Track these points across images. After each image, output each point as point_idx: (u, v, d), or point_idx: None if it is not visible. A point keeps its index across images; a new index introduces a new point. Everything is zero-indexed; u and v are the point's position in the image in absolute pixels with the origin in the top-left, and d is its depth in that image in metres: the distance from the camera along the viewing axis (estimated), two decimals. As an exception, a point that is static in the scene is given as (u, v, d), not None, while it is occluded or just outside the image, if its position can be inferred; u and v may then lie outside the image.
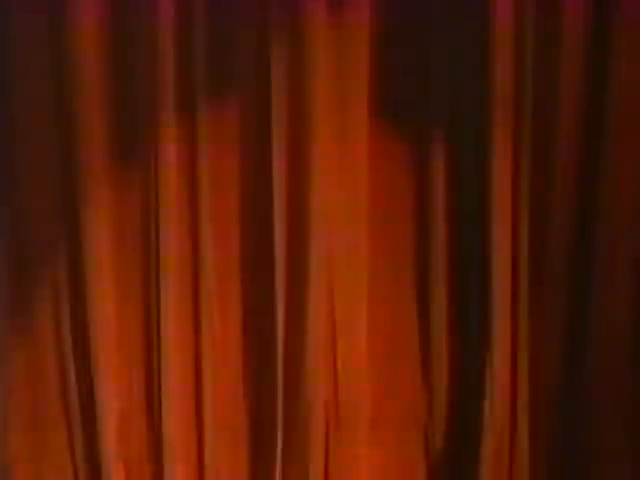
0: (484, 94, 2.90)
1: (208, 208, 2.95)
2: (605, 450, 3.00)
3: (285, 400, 3.00)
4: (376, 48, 2.90)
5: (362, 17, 2.88)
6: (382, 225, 2.99)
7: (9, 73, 2.86)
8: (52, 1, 2.81)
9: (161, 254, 2.95)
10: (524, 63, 2.89)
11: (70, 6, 2.80)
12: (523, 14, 2.87)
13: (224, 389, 3.03)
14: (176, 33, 2.85)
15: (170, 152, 2.90)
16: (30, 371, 3.00)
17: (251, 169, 2.96)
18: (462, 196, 2.98)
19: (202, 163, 2.93)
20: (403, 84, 2.94)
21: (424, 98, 2.95)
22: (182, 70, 2.87)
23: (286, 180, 2.91)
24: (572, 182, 2.95)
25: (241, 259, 3.00)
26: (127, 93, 2.91)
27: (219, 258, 2.98)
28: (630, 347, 2.98)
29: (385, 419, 3.07)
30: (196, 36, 2.86)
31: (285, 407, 3.00)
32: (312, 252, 2.93)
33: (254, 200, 2.97)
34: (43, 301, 2.99)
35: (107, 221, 2.95)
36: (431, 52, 2.93)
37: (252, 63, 2.90)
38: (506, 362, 2.98)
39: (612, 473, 3.00)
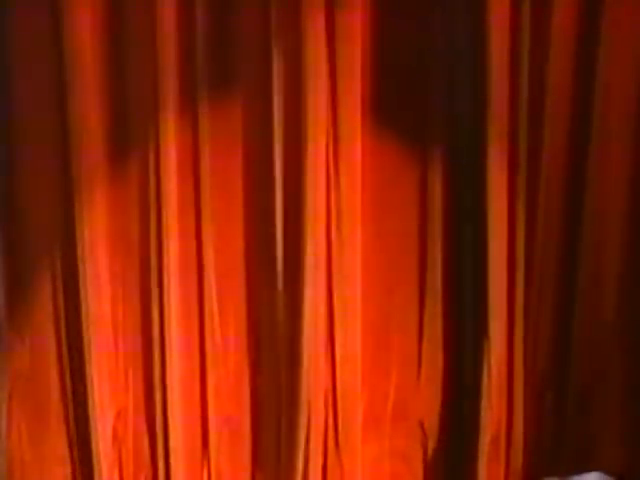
0: (480, 92, 2.92)
1: (209, 206, 2.95)
2: (597, 433, 3.09)
3: (285, 395, 3.03)
4: (371, 47, 2.92)
5: (358, 17, 2.89)
6: (377, 223, 3.01)
7: (9, 73, 2.85)
8: (52, 0, 2.81)
9: (162, 253, 2.95)
10: (520, 61, 2.91)
11: (70, 5, 2.80)
12: (519, 15, 2.90)
13: (226, 387, 3.06)
14: (177, 32, 2.85)
15: (171, 151, 2.91)
16: (29, 371, 3.01)
17: (251, 167, 2.97)
18: (458, 194, 3.01)
19: (203, 161, 2.93)
20: (399, 83, 2.96)
21: (419, 97, 2.97)
22: (182, 69, 2.87)
23: (283, 179, 2.93)
24: (560, 183, 3.00)
25: (242, 257, 3.02)
26: (127, 91, 2.91)
27: (219, 256, 2.99)
28: (617, 337, 3.06)
29: (380, 412, 3.11)
30: (197, 35, 2.87)
31: (285, 403, 3.03)
32: (309, 250, 2.95)
33: (254, 199, 2.99)
34: (41, 301, 2.99)
35: (106, 220, 2.95)
36: (427, 50, 2.95)
37: (251, 62, 2.91)
38: (502, 357, 3.03)
39: (604, 456, 3.08)
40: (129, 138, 2.94)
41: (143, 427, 3.07)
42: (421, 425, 3.11)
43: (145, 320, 3.01)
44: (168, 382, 2.99)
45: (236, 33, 2.89)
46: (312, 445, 3.03)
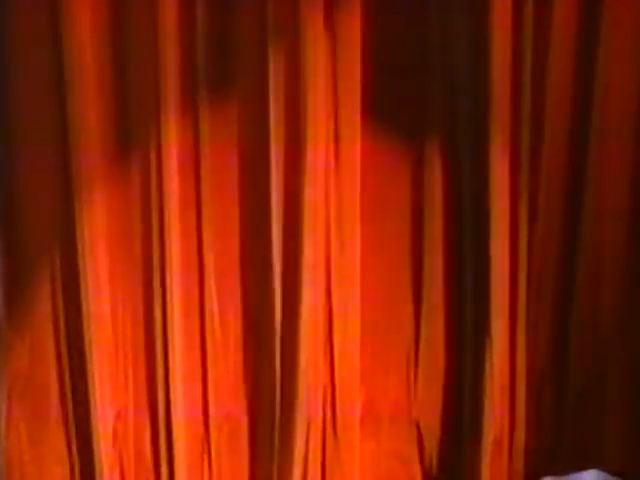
0: (481, 91, 2.91)
1: (209, 206, 2.95)
2: (597, 432, 3.10)
3: (284, 393, 3.02)
4: (370, 48, 2.91)
5: (357, 16, 2.89)
6: (377, 224, 3.01)
7: (9, 72, 2.84)
8: (52, 0, 2.80)
9: (164, 252, 2.94)
10: (522, 60, 2.91)
11: (70, 4, 2.78)
12: (521, 15, 2.89)
13: (226, 385, 3.06)
14: (178, 32, 2.84)
15: (172, 150, 2.90)
16: (32, 368, 3.00)
17: (251, 167, 2.96)
18: (458, 195, 3.00)
19: (204, 161, 2.93)
20: (399, 83, 2.95)
21: (419, 97, 2.97)
22: (183, 69, 2.87)
23: (283, 179, 2.93)
24: (560, 182, 3.01)
25: (241, 256, 3.01)
26: (128, 91, 2.90)
27: (219, 256, 2.99)
28: (616, 336, 3.08)
29: (378, 411, 3.11)
30: (197, 35, 2.86)
31: (284, 401, 3.03)
32: (308, 249, 2.95)
33: (254, 198, 2.98)
34: (40, 301, 2.98)
35: (106, 219, 2.94)
36: (427, 49, 2.94)
37: (252, 62, 2.90)
38: (504, 356, 3.03)
39: (604, 454, 3.09)
40: (130, 138, 2.93)
41: (144, 426, 3.06)
42: (418, 425, 3.11)
43: (147, 319, 3.01)
44: (170, 381, 2.99)
45: (236, 33, 2.88)
46: (311, 442, 3.04)
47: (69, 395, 3.02)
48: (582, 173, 2.99)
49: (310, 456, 3.05)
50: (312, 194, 2.92)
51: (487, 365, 3.00)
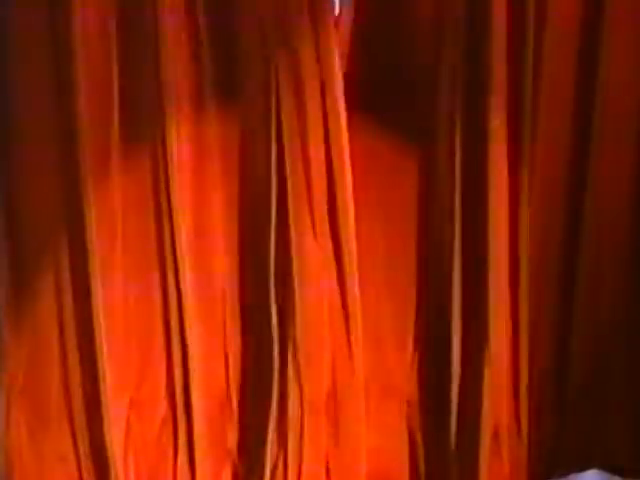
0: (480, 89, 2.89)
1: (217, 201, 3.00)
2: (599, 430, 3.09)
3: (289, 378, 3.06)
4: (362, 43, 2.93)
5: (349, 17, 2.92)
6: (374, 223, 3.03)
7: (10, 71, 2.88)
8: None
9: (175, 242, 2.97)
10: (522, 59, 2.89)
11: (73, 3, 2.82)
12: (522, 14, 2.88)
13: (240, 372, 3.11)
14: (182, 34, 2.90)
15: (177, 148, 2.94)
16: (32, 364, 3.02)
17: (253, 165, 3.00)
18: (455, 194, 2.97)
19: (209, 159, 2.98)
20: (392, 81, 2.96)
21: (417, 95, 2.96)
22: (188, 70, 2.92)
23: (277, 175, 2.96)
24: (559, 181, 3.00)
25: (245, 251, 3.06)
26: (134, 89, 2.93)
27: (228, 250, 3.04)
28: (616, 335, 3.07)
29: (380, 402, 3.13)
30: (200, 36, 2.91)
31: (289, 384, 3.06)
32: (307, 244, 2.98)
33: (256, 195, 3.01)
34: (45, 292, 2.98)
35: (110, 210, 2.97)
36: (423, 47, 2.94)
37: (251, 62, 2.94)
38: (504, 355, 3.01)
39: (606, 452, 3.09)
40: (138, 134, 2.97)
41: (157, 418, 3.09)
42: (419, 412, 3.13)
43: (164, 308, 3.03)
44: (191, 369, 3.02)
45: (237, 33, 2.92)
46: (312, 427, 3.06)
47: (75, 390, 3.02)
48: (582, 173, 2.97)
49: (313, 440, 3.07)
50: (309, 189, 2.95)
51: (486, 371, 2.99)
